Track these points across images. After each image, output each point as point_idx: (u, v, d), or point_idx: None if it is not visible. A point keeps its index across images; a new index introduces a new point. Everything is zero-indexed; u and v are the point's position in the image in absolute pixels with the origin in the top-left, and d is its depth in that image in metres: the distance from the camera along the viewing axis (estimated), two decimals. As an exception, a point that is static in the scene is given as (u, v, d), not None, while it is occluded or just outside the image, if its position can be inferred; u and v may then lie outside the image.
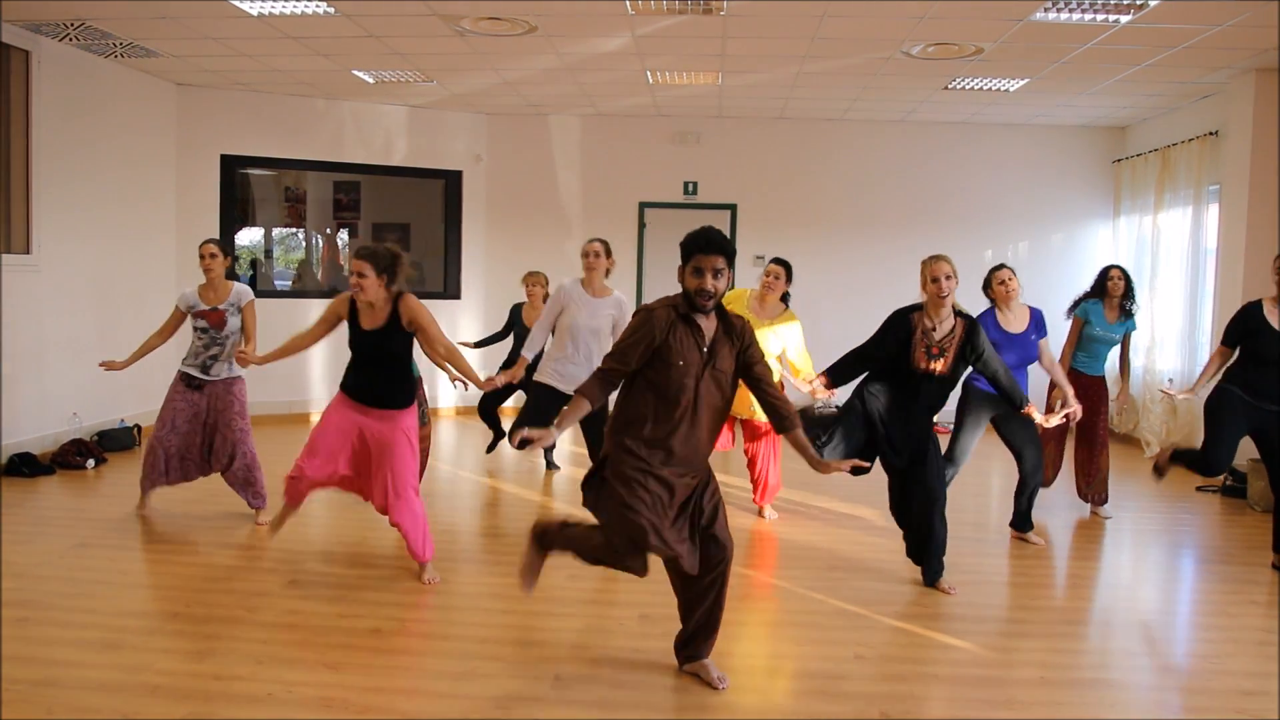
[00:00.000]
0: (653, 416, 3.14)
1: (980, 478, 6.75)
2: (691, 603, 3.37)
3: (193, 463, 5.33)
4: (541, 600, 4.07)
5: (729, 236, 9.49)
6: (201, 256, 5.25)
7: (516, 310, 6.95)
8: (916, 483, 4.37)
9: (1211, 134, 7.49)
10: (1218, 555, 5.19)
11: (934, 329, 4.25)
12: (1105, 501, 5.80)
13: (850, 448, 4.31)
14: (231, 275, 5.44)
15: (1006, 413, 5.00)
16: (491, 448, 7.19)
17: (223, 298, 5.26)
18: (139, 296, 7.85)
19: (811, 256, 9.55)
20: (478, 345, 7.11)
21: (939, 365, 4.22)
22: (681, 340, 3.13)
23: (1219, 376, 4.88)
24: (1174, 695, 3.45)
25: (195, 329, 5.30)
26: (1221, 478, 6.60)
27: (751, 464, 5.59)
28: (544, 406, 5.21)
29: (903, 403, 4.30)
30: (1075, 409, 4.70)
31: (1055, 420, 4.50)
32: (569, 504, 5.90)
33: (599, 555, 3.25)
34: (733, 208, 9.57)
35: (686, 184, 9.55)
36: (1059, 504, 6.18)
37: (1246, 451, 6.09)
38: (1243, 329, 4.74)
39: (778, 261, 5.53)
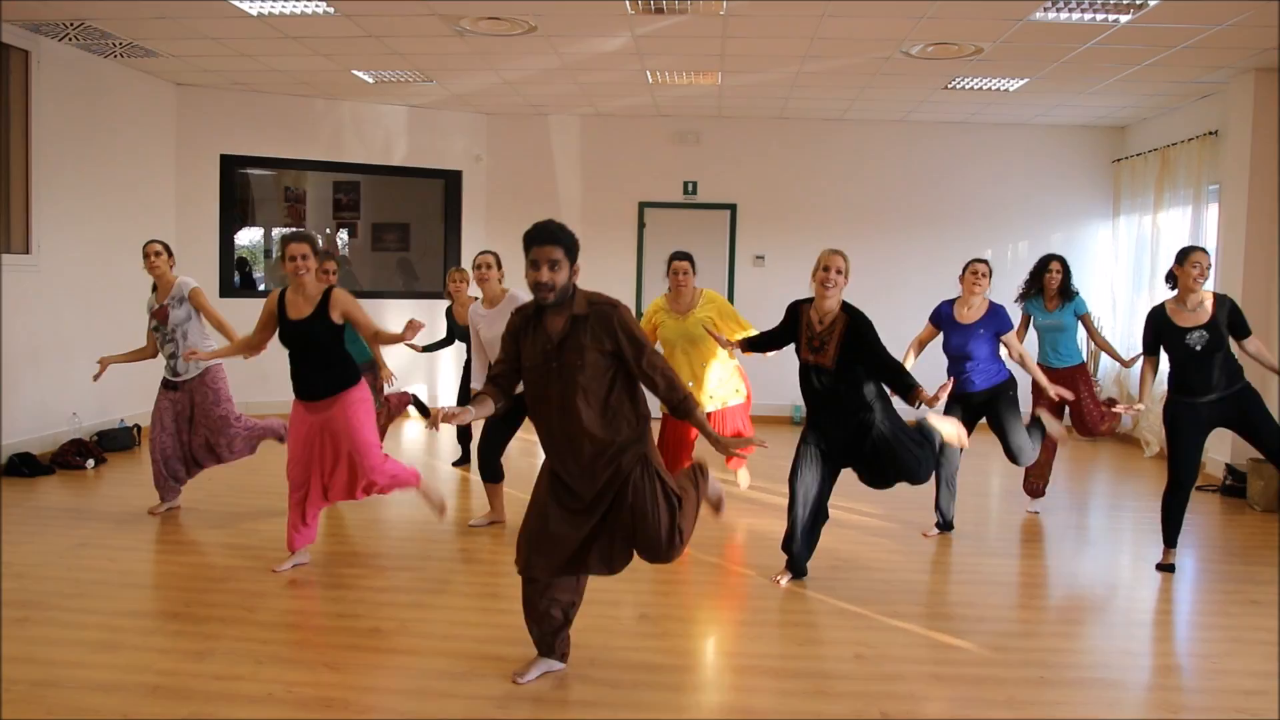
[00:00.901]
0: (534, 418, 3.18)
1: (980, 478, 6.74)
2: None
3: (191, 459, 5.40)
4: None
5: (729, 234, 9.53)
6: (145, 256, 5.25)
7: (449, 312, 6.73)
8: (881, 470, 4.22)
9: (1211, 133, 7.48)
10: (1218, 554, 5.19)
11: (818, 322, 4.23)
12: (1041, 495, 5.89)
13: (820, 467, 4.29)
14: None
15: (993, 409, 5.07)
16: (460, 462, 6.95)
17: (166, 293, 5.27)
18: (139, 297, 7.77)
19: (811, 256, 9.46)
20: (425, 350, 6.88)
21: (822, 358, 4.16)
22: (530, 340, 3.12)
23: (1163, 386, 4.91)
24: (1174, 694, 3.45)
25: (151, 330, 5.35)
26: (1221, 477, 6.61)
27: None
28: (498, 421, 5.11)
29: (819, 401, 4.24)
30: (1054, 390, 5.04)
31: (941, 394, 4.06)
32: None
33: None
34: (732, 207, 9.57)
35: (686, 184, 9.55)
36: (1058, 505, 6.18)
37: (1245, 451, 6.09)
38: (1153, 335, 4.72)
39: (681, 256, 5.48)
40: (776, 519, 5.64)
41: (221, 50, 7.02)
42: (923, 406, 4.01)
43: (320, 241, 4.37)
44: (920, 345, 5.29)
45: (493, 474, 5.24)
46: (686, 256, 5.49)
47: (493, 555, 4.93)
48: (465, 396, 6.40)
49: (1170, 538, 4.77)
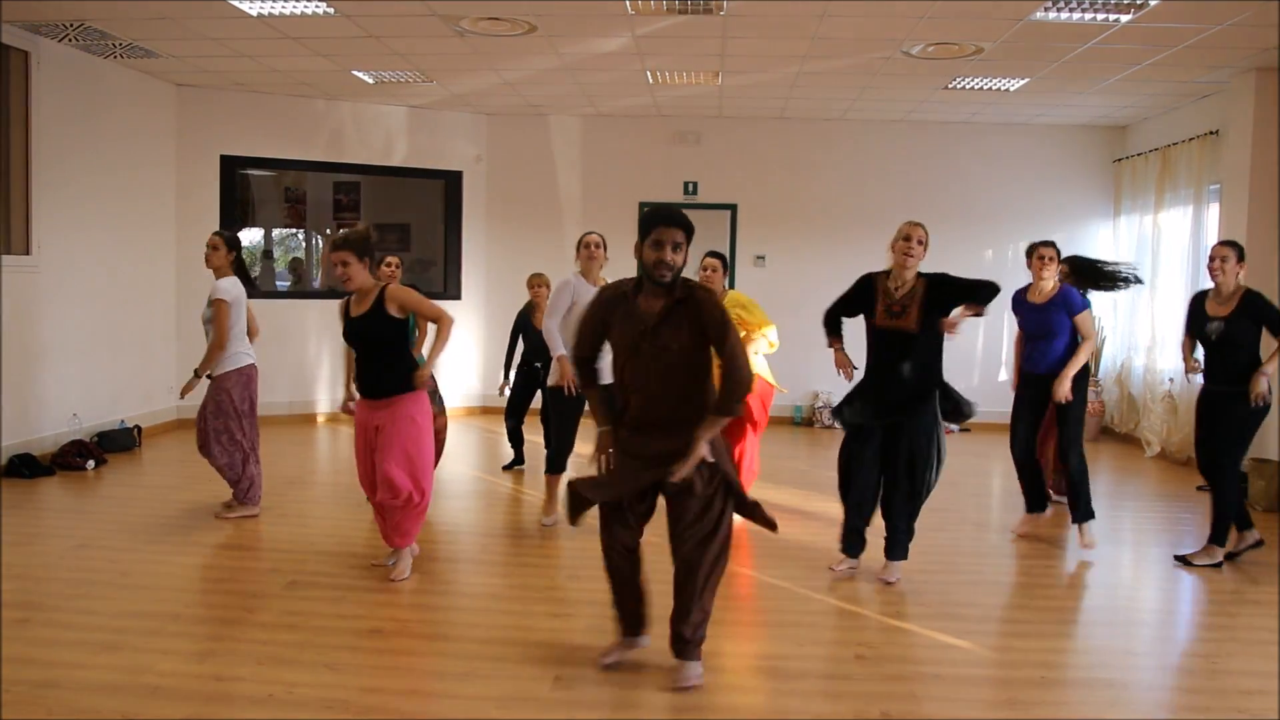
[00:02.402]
0: (620, 389, 3.30)
1: (980, 478, 6.75)
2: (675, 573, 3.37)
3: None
4: (542, 600, 4.07)
5: (730, 234, 9.53)
6: (207, 247, 5.31)
7: (524, 315, 6.68)
8: (903, 437, 4.34)
9: (1212, 133, 7.49)
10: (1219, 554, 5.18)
11: (896, 289, 4.40)
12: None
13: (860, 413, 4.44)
14: (241, 271, 5.37)
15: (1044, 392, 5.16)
16: (509, 466, 6.93)
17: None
18: (139, 297, 7.86)
19: (811, 256, 9.56)
20: (506, 375, 6.77)
21: (903, 322, 4.32)
22: (622, 318, 3.22)
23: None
24: (1175, 695, 3.45)
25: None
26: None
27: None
28: (572, 405, 5.23)
29: (889, 362, 4.38)
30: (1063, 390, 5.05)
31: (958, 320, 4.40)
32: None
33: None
34: (733, 208, 9.57)
35: (686, 184, 9.55)
36: (1058, 505, 6.19)
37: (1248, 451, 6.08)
38: (1188, 317, 5.10)
39: (714, 254, 5.55)
40: (777, 519, 5.64)
41: (221, 50, 7.02)
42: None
43: (371, 237, 4.31)
44: (1022, 338, 5.39)
45: (562, 467, 5.33)
46: (718, 255, 5.56)
47: (494, 556, 4.94)
48: (530, 381, 6.55)
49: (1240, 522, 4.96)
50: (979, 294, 4.36)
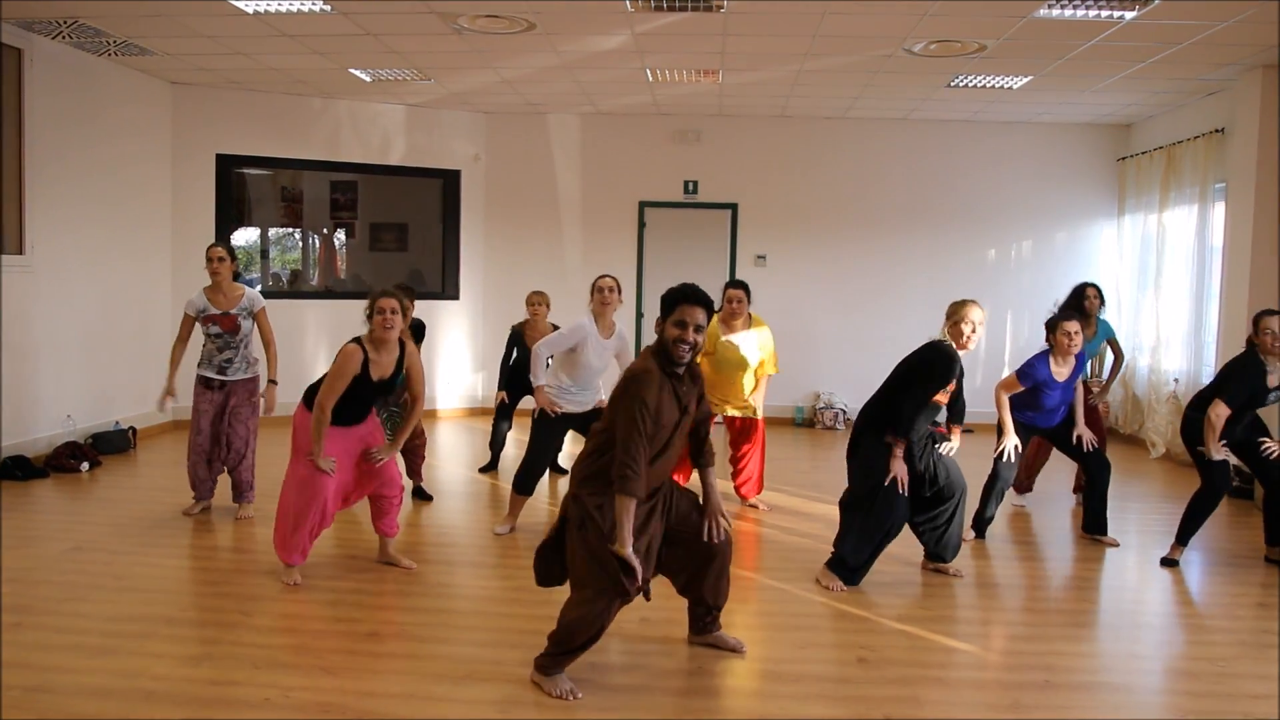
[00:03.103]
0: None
1: (982, 480, 6.73)
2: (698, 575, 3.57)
3: (217, 460, 5.50)
4: (540, 603, 4.07)
5: (730, 234, 9.54)
6: (209, 260, 5.35)
7: (518, 333, 6.60)
8: (936, 473, 4.54)
9: (1217, 131, 7.49)
10: (1224, 557, 5.19)
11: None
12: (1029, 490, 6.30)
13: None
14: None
15: (1055, 433, 5.39)
16: (485, 469, 6.94)
17: (234, 302, 5.36)
18: (134, 298, 7.86)
19: (812, 255, 9.56)
20: (502, 384, 6.71)
21: (943, 395, 4.51)
22: (666, 402, 3.22)
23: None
24: (1180, 698, 3.45)
25: (208, 334, 5.39)
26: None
27: (740, 461, 5.87)
28: (551, 434, 5.36)
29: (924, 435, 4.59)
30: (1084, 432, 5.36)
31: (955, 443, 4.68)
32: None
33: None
34: (733, 207, 9.57)
35: (687, 183, 9.56)
36: (1062, 506, 6.19)
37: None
38: (1247, 388, 4.81)
39: (737, 285, 5.82)
40: (777, 523, 5.65)
41: (217, 48, 7.02)
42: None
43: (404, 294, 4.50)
44: (1010, 397, 5.22)
45: (529, 490, 5.37)
46: (742, 286, 5.80)
47: (491, 559, 4.94)
48: (513, 399, 6.67)
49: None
50: (960, 409, 4.68)
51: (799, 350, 9.22)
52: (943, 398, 4.48)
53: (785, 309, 9.36)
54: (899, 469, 4.34)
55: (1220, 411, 4.77)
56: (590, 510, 3.23)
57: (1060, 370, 5.20)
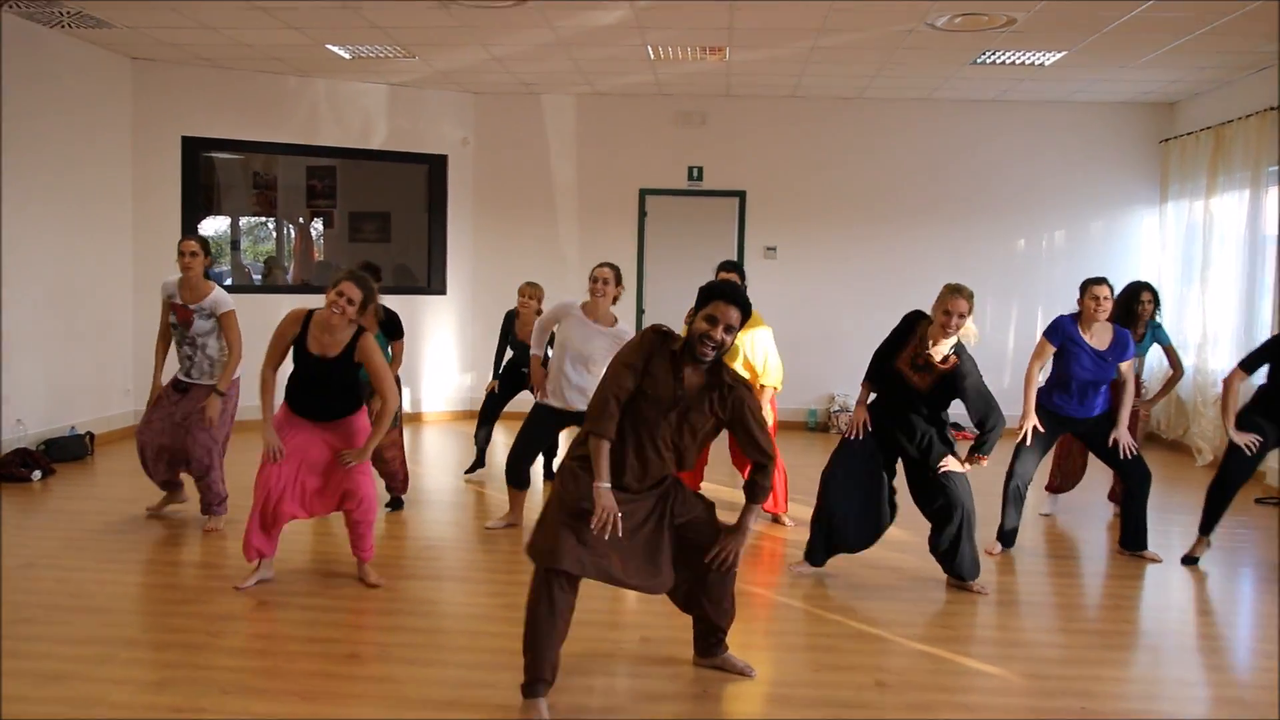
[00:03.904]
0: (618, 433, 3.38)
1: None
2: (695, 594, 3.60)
3: (164, 463, 5.52)
4: (533, 623, 4.05)
5: (738, 223, 9.52)
6: (180, 254, 5.38)
7: (510, 320, 6.86)
8: (939, 487, 4.57)
9: (1271, 109, 7.46)
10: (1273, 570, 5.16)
11: (931, 348, 4.52)
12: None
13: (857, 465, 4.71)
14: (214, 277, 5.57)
15: (1089, 431, 5.30)
16: (471, 470, 7.03)
17: (198, 299, 5.39)
18: (92, 293, 7.85)
19: (826, 247, 9.55)
20: (496, 372, 6.96)
21: (918, 379, 4.53)
22: (663, 375, 3.33)
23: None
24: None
25: (170, 323, 5.50)
26: None
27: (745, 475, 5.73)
28: (542, 424, 5.48)
29: (893, 410, 4.64)
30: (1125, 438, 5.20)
31: (962, 468, 4.62)
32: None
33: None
34: (741, 195, 9.56)
35: (691, 169, 9.55)
36: (1099, 517, 6.17)
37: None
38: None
39: (730, 267, 5.71)
40: (789, 536, 5.63)
41: (182, 21, 7.01)
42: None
43: (374, 283, 4.53)
44: (1033, 375, 5.32)
45: (521, 480, 5.50)
46: (735, 268, 5.69)
47: (479, 573, 4.93)
48: (507, 392, 6.84)
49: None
50: (984, 436, 4.51)
51: (812, 350, 9.20)
52: (918, 379, 4.51)
53: (796, 305, 9.37)
54: (855, 415, 4.74)
55: (1235, 375, 4.89)
56: (574, 469, 3.36)
57: (1089, 336, 5.17)
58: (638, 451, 3.35)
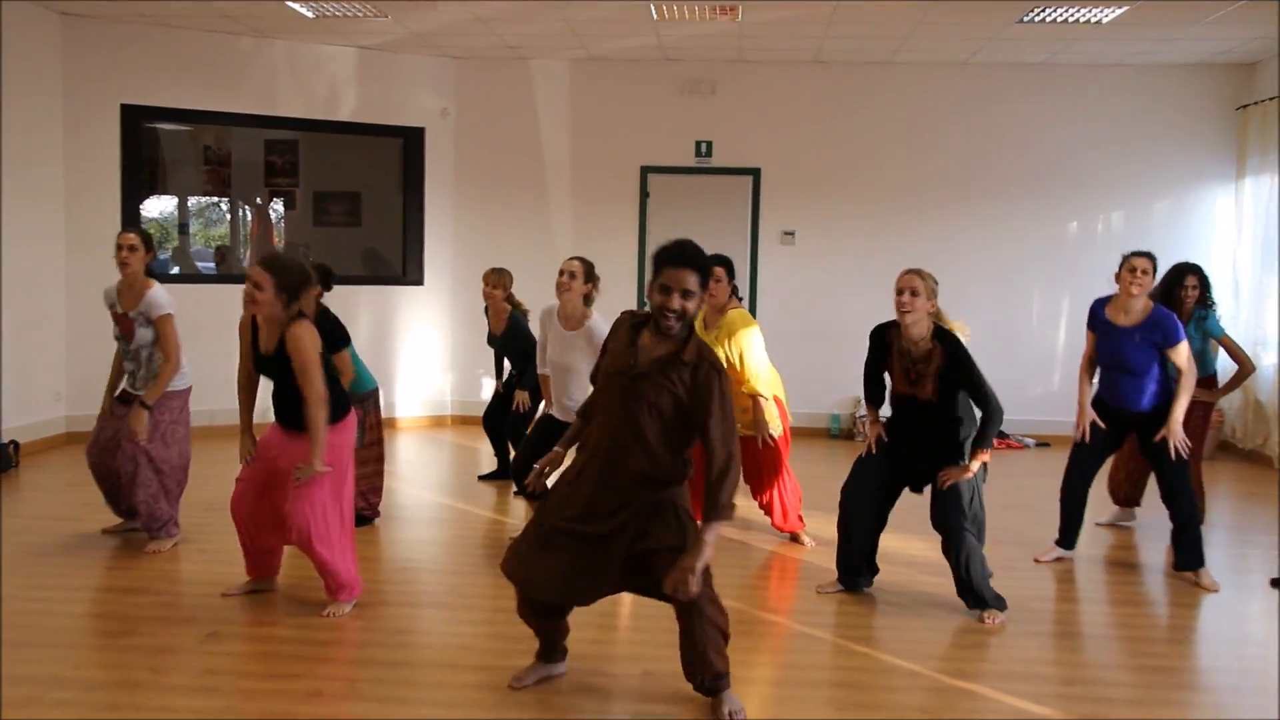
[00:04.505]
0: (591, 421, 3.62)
1: (1048, 503, 6.69)
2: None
3: (108, 484, 5.56)
4: (524, 653, 4.02)
5: (751, 205, 9.49)
6: (118, 249, 5.34)
7: (487, 312, 7.18)
8: (939, 509, 4.64)
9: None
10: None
11: (910, 349, 4.61)
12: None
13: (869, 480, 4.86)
14: (151, 273, 5.48)
15: (1140, 427, 5.28)
16: (489, 476, 7.23)
17: (136, 303, 5.34)
18: (18, 284, 7.77)
19: (850, 231, 9.52)
20: (508, 383, 7.15)
21: (920, 391, 4.59)
22: (620, 346, 3.50)
23: None
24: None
25: (115, 336, 5.48)
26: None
27: (753, 493, 5.82)
28: (549, 437, 5.42)
29: (908, 428, 4.74)
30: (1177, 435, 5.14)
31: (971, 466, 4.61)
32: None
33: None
34: (755, 173, 9.54)
35: (699, 144, 9.53)
36: (1161, 536, 6.13)
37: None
38: None
39: (716, 260, 5.54)
40: (809, 560, 5.61)
41: (124, -24, 6.99)
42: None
43: (303, 274, 4.52)
44: (1091, 363, 5.50)
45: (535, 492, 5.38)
46: (721, 261, 5.63)
47: (461, 599, 4.91)
48: (508, 397, 6.94)
49: None
50: (985, 426, 4.56)
51: (833, 347, 9.17)
52: (921, 392, 4.60)
53: (817, 297, 9.34)
54: (869, 432, 4.92)
55: None
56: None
57: (1117, 315, 5.27)
58: (607, 442, 3.45)
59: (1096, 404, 5.39)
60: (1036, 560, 5.55)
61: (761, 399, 5.51)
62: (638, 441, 3.40)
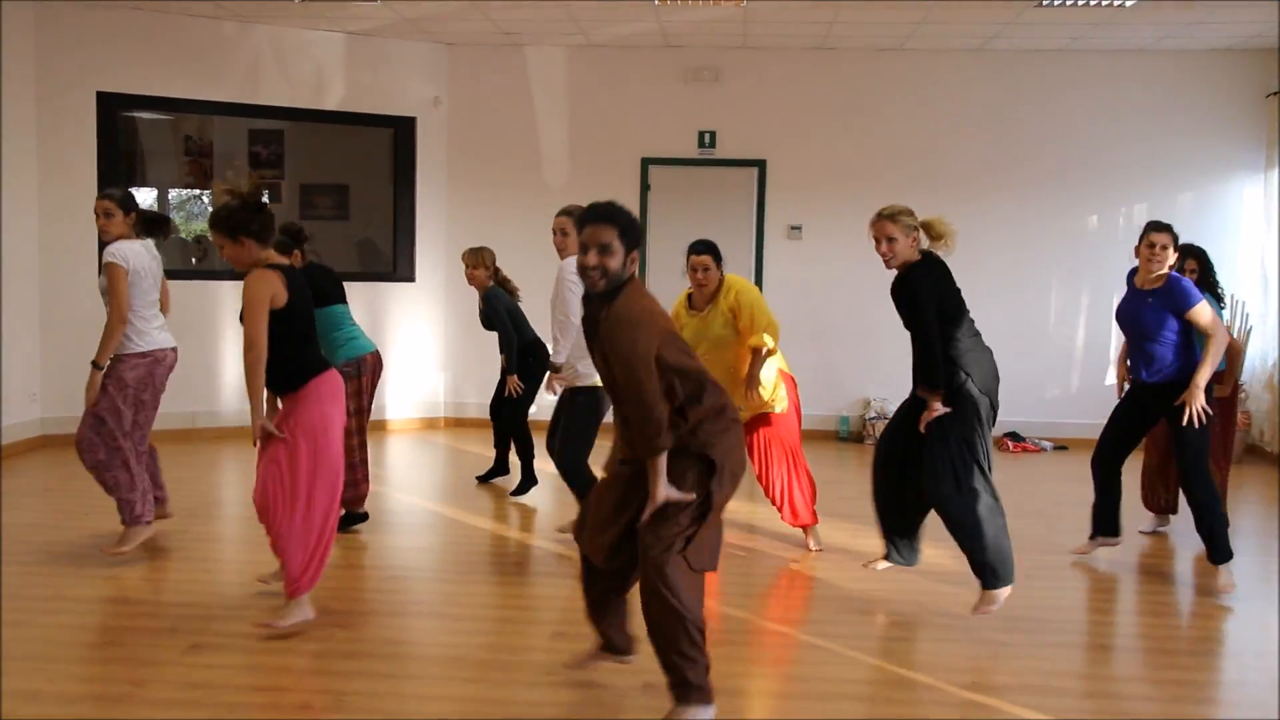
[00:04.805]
0: None
1: (1079, 508, 6.67)
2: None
3: (142, 460, 5.50)
4: (519, 666, 4.03)
5: (757, 198, 9.49)
6: (95, 215, 5.32)
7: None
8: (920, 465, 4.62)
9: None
10: None
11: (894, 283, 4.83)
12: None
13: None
14: (155, 231, 5.51)
15: (1159, 396, 5.28)
16: (520, 490, 6.98)
17: None
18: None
19: (861, 225, 9.44)
20: (510, 369, 6.97)
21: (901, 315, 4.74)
22: (587, 323, 3.64)
23: None
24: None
25: None
26: None
27: (761, 479, 5.75)
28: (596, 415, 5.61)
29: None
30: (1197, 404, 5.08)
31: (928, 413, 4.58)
32: (548, 538, 5.88)
33: None
34: (760, 164, 9.54)
35: (702, 134, 9.54)
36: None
37: None
38: None
39: (703, 248, 5.66)
40: (820, 565, 5.61)
41: (102, -41, 6.99)
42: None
43: (255, 208, 4.46)
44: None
45: (585, 483, 5.30)
46: (708, 249, 5.64)
47: (456, 609, 4.91)
48: (530, 376, 6.88)
49: None
50: (915, 357, 4.60)
51: (843, 346, 9.18)
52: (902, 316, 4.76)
53: (826, 293, 9.34)
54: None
55: None
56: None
57: (1142, 281, 5.38)
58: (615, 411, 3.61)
59: (1133, 386, 5.50)
60: (1078, 551, 5.71)
61: (764, 349, 5.46)
62: (620, 402, 3.50)
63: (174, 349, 5.46)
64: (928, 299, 4.56)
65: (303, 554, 4.38)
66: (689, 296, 5.75)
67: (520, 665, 4.12)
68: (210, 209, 11.23)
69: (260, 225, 4.35)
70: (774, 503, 5.78)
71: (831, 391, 9.32)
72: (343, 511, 5.36)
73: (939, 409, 4.48)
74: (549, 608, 4.93)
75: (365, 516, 6.04)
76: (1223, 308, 6.21)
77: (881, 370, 9.35)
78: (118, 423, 5.25)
